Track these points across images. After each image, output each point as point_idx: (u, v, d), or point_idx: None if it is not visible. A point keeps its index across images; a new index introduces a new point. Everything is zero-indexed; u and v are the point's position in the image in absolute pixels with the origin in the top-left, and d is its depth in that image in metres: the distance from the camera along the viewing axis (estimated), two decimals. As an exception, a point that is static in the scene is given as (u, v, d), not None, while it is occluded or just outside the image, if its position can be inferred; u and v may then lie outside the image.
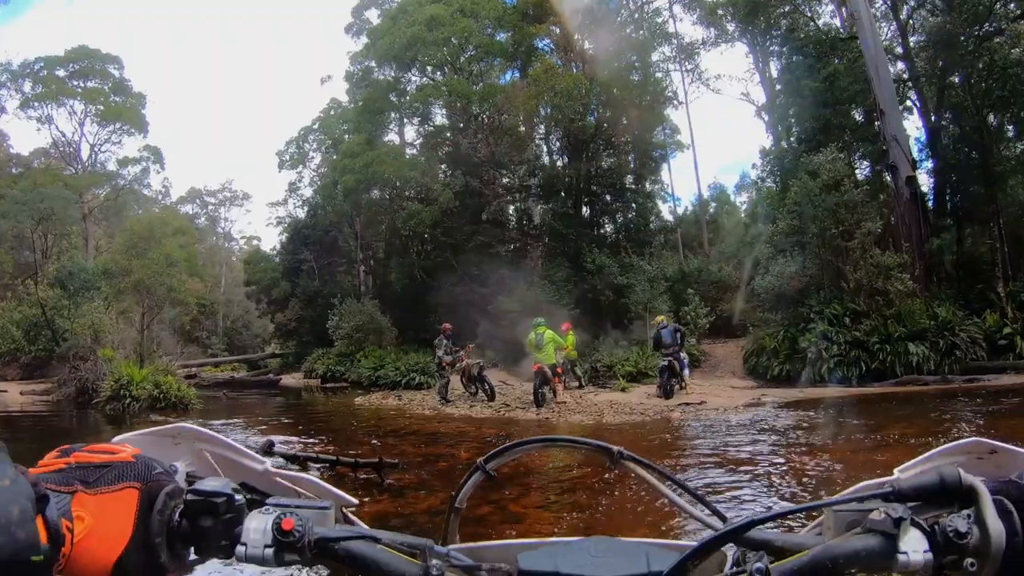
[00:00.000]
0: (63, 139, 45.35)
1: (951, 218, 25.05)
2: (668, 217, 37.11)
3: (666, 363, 17.48)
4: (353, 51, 41.25)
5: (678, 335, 18.20)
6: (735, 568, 0.83)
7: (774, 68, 37.70)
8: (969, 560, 0.74)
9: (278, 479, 0.96)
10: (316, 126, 47.17)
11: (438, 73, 32.32)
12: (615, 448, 1.04)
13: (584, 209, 29.37)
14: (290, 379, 36.45)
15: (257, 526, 0.77)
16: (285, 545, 0.75)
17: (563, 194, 29.14)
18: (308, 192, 47.37)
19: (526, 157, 29.36)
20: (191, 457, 0.96)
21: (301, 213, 46.45)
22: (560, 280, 26.77)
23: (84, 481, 0.74)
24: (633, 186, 29.16)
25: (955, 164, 24.96)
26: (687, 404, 16.09)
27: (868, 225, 21.75)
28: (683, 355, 18.15)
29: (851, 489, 0.89)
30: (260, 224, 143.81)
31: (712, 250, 36.02)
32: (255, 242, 69.97)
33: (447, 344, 19.86)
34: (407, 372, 26.67)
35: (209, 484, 0.79)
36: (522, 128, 29.74)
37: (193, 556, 0.80)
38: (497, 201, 28.55)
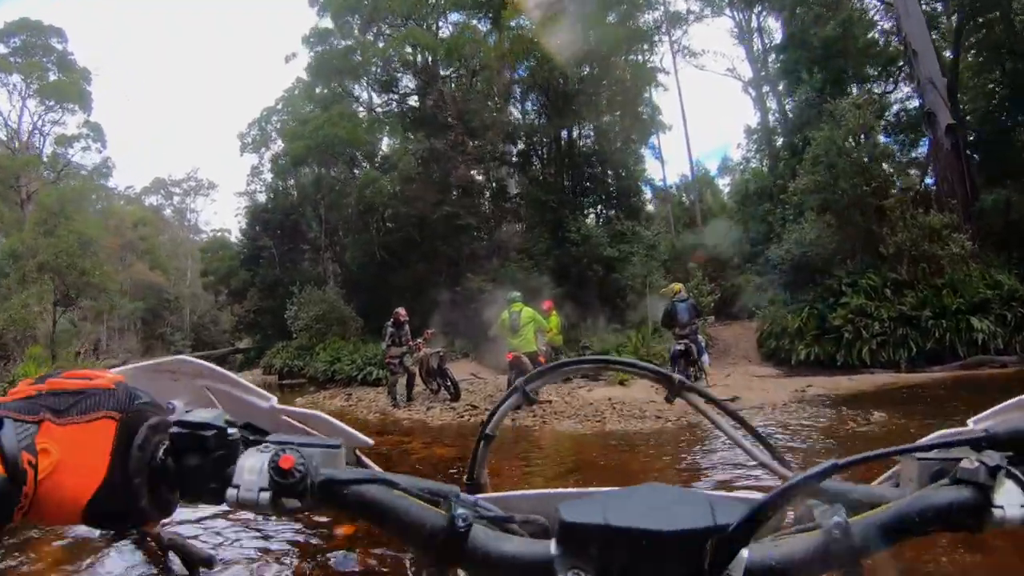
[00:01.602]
0: (2, 119, 39.50)
1: (994, 173, 20.17)
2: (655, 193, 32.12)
3: (681, 347, 12.94)
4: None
5: (695, 311, 13.59)
6: (808, 523, 0.66)
7: (758, 44, 34.83)
8: None
9: (285, 417, 0.83)
10: (279, 106, 41.93)
11: (401, 30, 27.19)
12: (676, 376, 0.88)
13: (566, 177, 24.24)
14: (248, 376, 30.99)
15: (252, 465, 0.63)
16: (283, 488, 0.61)
17: (543, 157, 24.13)
18: (271, 176, 42.19)
19: (499, 119, 24.24)
20: (191, 395, 0.84)
21: (264, 199, 41.19)
22: (540, 254, 21.98)
23: (54, 409, 0.61)
24: (621, 146, 23.98)
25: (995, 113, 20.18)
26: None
27: (907, 180, 17.12)
28: (700, 338, 13.52)
29: (932, 436, 0.74)
30: (228, 214, 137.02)
31: (705, 228, 31.21)
32: (223, 233, 64.55)
33: (394, 332, 15.06)
34: (363, 366, 21.73)
35: (199, 415, 0.65)
36: (495, 87, 24.63)
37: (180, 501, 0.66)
38: (466, 163, 23.41)
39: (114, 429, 0.62)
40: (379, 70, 27.63)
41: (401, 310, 15.16)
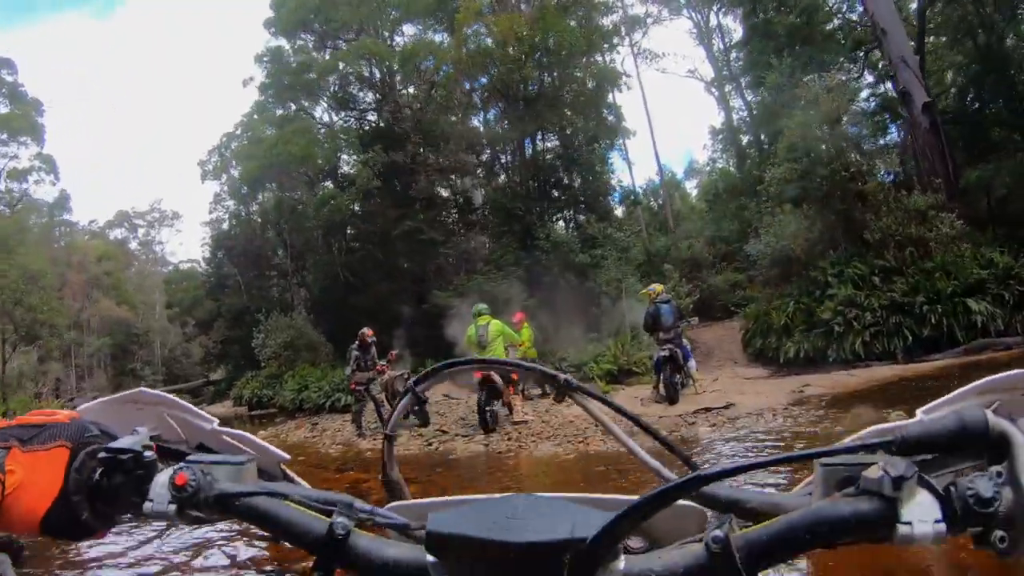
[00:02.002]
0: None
1: (970, 152, 19.24)
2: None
3: (666, 352, 11.52)
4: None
5: (679, 314, 12.54)
6: (698, 534, 0.63)
7: (718, 43, 34.88)
8: (998, 533, 0.54)
9: (224, 437, 0.89)
10: (239, 131, 40.21)
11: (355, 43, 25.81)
12: (561, 376, 0.87)
13: (532, 184, 22.92)
14: (220, 408, 29.54)
15: (162, 481, 0.70)
16: (182, 500, 0.68)
17: (507, 166, 22.88)
18: (233, 203, 40.47)
19: (459, 129, 22.92)
20: (155, 421, 0.90)
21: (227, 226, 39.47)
22: (508, 264, 20.59)
23: (20, 439, 0.73)
24: (586, 148, 22.70)
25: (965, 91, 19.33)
26: (707, 410, 10.14)
27: (887, 162, 16.12)
28: (686, 342, 12.26)
29: (854, 436, 0.66)
30: (195, 244, 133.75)
31: (676, 230, 30.06)
32: (191, 264, 62.30)
33: (359, 356, 13.53)
34: (331, 392, 20.21)
35: (122, 442, 0.74)
36: (454, 96, 23.35)
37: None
38: (427, 176, 22.03)
39: (67, 456, 0.72)
40: (335, 86, 26.19)
41: (367, 330, 13.61)
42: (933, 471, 0.60)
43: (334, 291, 24.71)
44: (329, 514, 0.66)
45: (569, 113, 21.97)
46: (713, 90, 37.56)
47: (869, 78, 22.39)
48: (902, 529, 0.54)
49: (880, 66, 20.01)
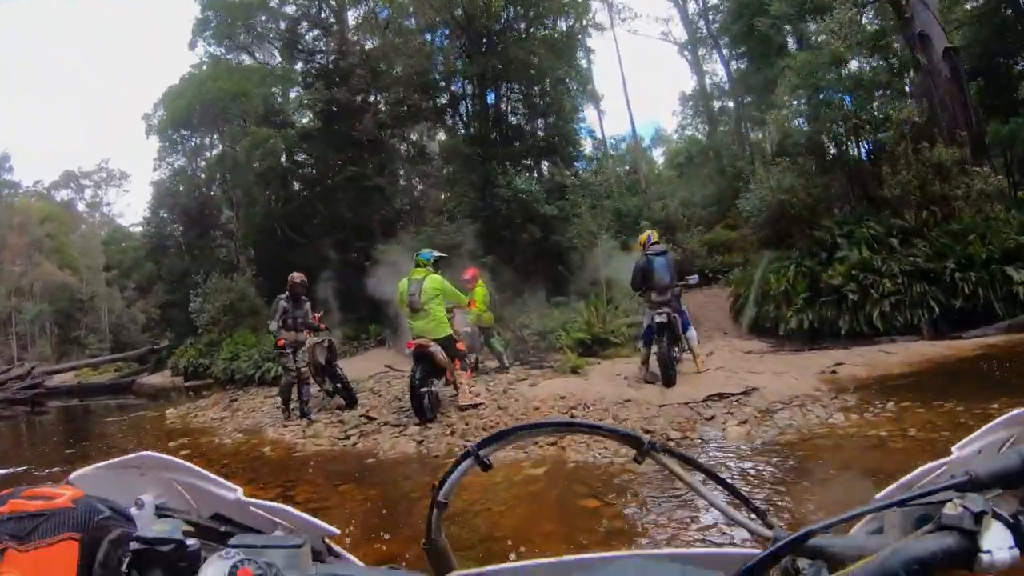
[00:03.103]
0: None
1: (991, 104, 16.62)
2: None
3: (663, 319, 8.63)
4: None
5: (677, 267, 9.75)
6: None
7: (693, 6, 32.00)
8: None
9: (252, 508, 0.81)
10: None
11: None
12: (646, 439, 0.80)
13: (493, 129, 19.46)
14: (157, 378, 26.30)
15: (214, 575, 0.60)
16: None
17: (466, 111, 19.49)
18: (177, 159, 36.39)
19: (413, 66, 19.36)
20: (160, 488, 0.83)
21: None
22: (463, 216, 17.31)
23: (16, 536, 0.60)
24: (556, 87, 19.31)
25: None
26: (723, 396, 7.18)
27: (906, 110, 13.33)
28: (684, 306, 9.59)
29: (909, 476, 0.75)
30: (143, 205, 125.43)
31: (651, 191, 27.13)
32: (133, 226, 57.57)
33: (287, 309, 10.30)
34: (260, 362, 17.11)
35: (155, 529, 0.63)
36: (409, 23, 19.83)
37: None
38: (374, 114, 18.54)
39: (77, 550, 0.60)
40: (275, 23, 22.34)
41: (297, 275, 10.46)
42: (997, 505, 0.60)
43: (271, 247, 21.11)
44: None
45: (538, 56, 18.53)
46: (686, 54, 35.00)
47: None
48: (984, 558, 0.56)
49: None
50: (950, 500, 0.59)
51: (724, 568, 0.58)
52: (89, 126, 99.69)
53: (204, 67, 26.40)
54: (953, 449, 0.75)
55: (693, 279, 9.60)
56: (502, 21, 18.20)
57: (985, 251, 11.78)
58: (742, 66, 26.99)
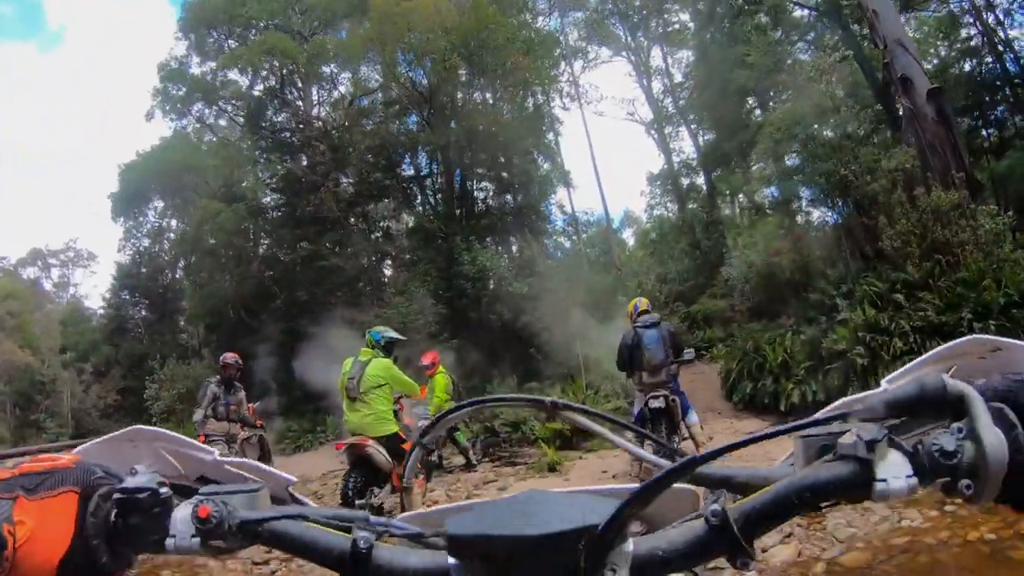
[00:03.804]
0: None
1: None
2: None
3: (658, 404, 7.03)
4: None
5: (673, 342, 7.66)
6: (695, 511, 0.69)
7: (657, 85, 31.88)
8: (964, 482, 0.58)
9: (227, 467, 0.89)
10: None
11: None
12: (547, 399, 0.87)
13: (458, 204, 18.06)
14: None
15: (183, 516, 0.69)
16: (206, 532, 0.68)
17: (432, 187, 18.16)
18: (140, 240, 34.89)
19: (376, 133, 18.12)
20: (152, 457, 0.90)
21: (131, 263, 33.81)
22: (425, 297, 15.61)
23: (26, 488, 0.69)
24: (524, 158, 18.04)
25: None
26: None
27: (898, 157, 12.89)
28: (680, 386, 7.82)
29: (825, 409, 0.72)
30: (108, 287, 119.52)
31: (624, 269, 25.81)
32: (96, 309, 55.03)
33: (218, 395, 8.66)
34: (209, 453, 14.79)
35: (135, 480, 0.72)
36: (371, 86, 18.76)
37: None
38: (331, 188, 17.10)
39: (76, 501, 0.69)
40: (231, 93, 21.18)
41: (230, 356, 8.96)
42: (901, 434, 0.62)
43: (225, 330, 19.24)
44: (348, 530, 0.65)
45: (505, 127, 17.39)
46: (653, 133, 34.65)
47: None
48: (879, 486, 0.57)
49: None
50: (848, 431, 0.60)
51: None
52: (59, 203, 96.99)
53: (159, 140, 25.27)
54: (883, 382, 0.72)
55: (689, 354, 7.83)
56: (465, 92, 17.08)
57: (1002, 296, 10.42)
58: (709, 139, 26.49)
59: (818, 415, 0.67)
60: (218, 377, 8.66)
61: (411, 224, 18.17)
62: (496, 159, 17.53)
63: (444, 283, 16.14)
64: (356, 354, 6.84)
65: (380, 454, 6.26)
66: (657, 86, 32.94)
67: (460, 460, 10.49)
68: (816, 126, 12.40)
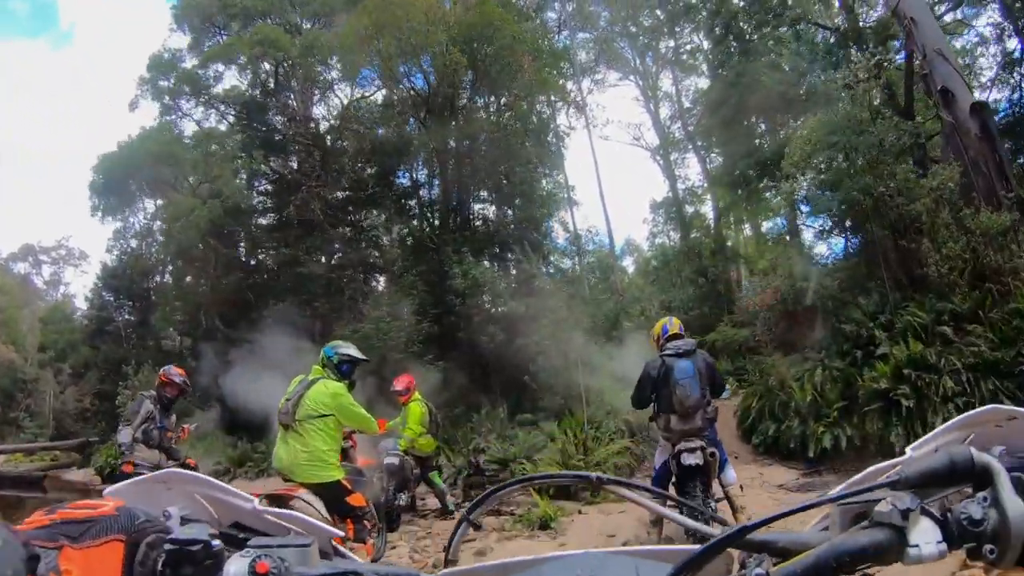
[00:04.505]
0: None
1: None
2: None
3: (696, 460, 5.17)
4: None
5: (712, 375, 5.68)
6: (739, 572, 0.73)
7: (665, 111, 31.35)
8: (988, 547, 0.63)
9: (268, 517, 0.91)
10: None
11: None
12: (593, 475, 0.92)
13: (451, 215, 16.49)
14: (80, 474, 21.87)
15: (236, 571, 0.68)
16: None
17: (427, 200, 16.64)
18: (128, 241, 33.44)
19: (365, 135, 16.69)
20: (185, 500, 0.90)
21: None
22: (412, 313, 13.99)
23: (70, 536, 0.69)
24: (525, 167, 16.49)
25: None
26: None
27: (944, 173, 11.21)
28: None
29: (858, 477, 0.82)
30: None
31: (626, 296, 24.34)
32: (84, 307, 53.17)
33: (152, 415, 7.01)
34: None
35: (187, 531, 0.72)
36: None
37: None
38: (313, 189, 15.56)
39: (122, 549, 0.69)
40: (225, 94, 19.75)
41: (175, 370, 7.32)
42: (928, 498, 0.65)
43: (196, 339, 17.57)
44: None
45: (507, 131, 15.96)
46: (658, 159, 33.58)
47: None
48: (911, 551, 0.61)
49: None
50: (883, 499, 0.63)
51: (675, 563, 0.63)
52: (58, 202, 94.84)
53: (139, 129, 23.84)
54: (908, 449, 0.77)
55: (726, 392, 6.11)
56: (466, 93, 15.65)
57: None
58: (719, 164, 25.58)
59: (849, 484, 0.73)
60: (153, 392, 7.08)
61: (401, 233, 16.53)
62: (496, 167, 16.03)
63: (432, 298, 14.63)
64: (308, 371, 5.32)
65: (311, 508, 4.64)
66: (664, 112, 32.21)
67: (436, 503, 8.83)
68: (855, 136, 10.85)
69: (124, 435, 6.83)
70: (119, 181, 20.14)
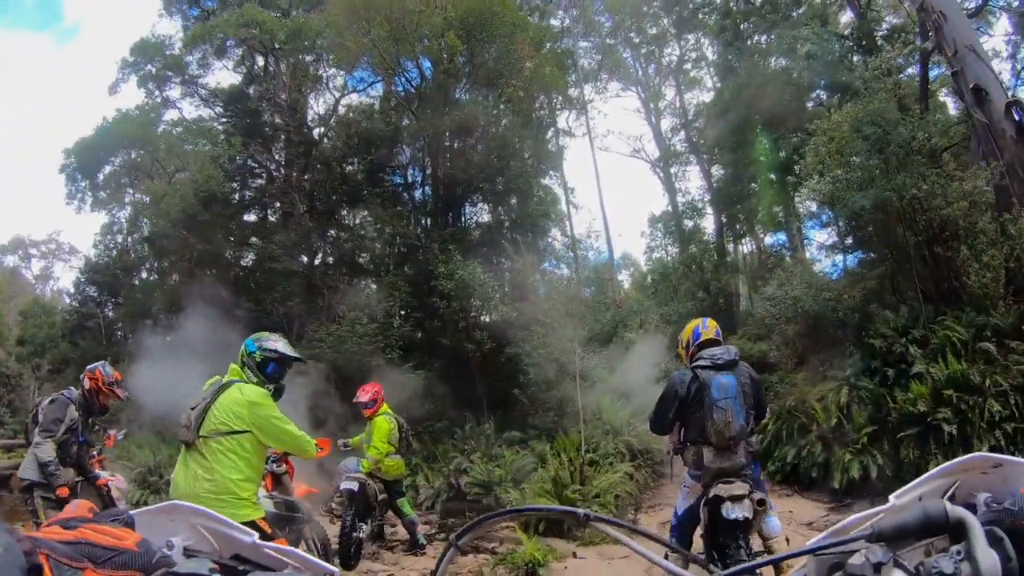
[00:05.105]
0: None
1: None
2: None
3: (745, 513, 3.80)
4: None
5: (756, 390, 4.34)
6: None
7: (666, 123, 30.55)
8: None
9: (267, 551, 0.91)
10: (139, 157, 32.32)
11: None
12: (581, 512, 0.92)
13: (441, 214, 15.17)
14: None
15: None
16: None
17: (415, 181, 15.46)
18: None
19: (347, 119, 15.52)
20: (188, 531, 0.92)
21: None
22: (391, 316, 12.70)
23: (93, 560, 0.74)
24: (521, 160, 15.22)
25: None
26: None
27: (976, 177, 10.06)
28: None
29: (839, 525, 0.81)
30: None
31: (624, 307, 23.17)
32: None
33: (77, 424, 5.67)
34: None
35: (189, 565, 0.77)
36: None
37: None
38: (295, 179, 14.32)
39: None
40: (202, 67, 18.53)
41: (110, 372, 6.07)
42: (904, 547, 0.66)
43: (153, 340, 16.07)
44: None
45: (503, 119, 14.78)
46: (659, 171, 32.77)
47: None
48: None
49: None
50: (858, 551, 0.63)
51: None
52: (59, 197, 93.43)
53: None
54: (891, 497, 0.79)
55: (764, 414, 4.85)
56: (462, 82, 14.44)
57: None
58: (724, 174, 24.91)
59: (826, 534, 0.74)
60: (79, 396, 5.78)
61: (386, 231, 15.17)
62: (491, 160, 14.74)
63: (415, 300, 13.25)
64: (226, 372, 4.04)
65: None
66: (666, 124, 31.40)
67: (405, 534, 7.53)
68: (892, 129, 9.69)
69: (46, 451, 5.53)
70: (91, 165, 18.95)
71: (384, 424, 7.11)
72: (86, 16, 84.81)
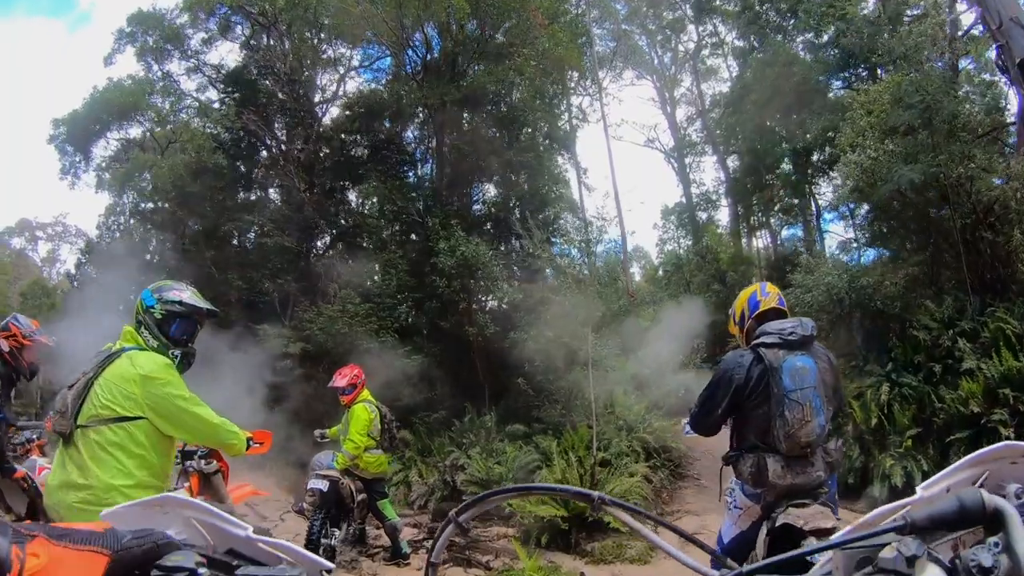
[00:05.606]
0: None
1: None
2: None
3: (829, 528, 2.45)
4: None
5: (835, 380, 3.09)
6: None
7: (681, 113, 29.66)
8: None
9: (260, 545, 0.87)
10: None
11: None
12: (595, 494, 0.89)
13: (446, 189, 14.16)
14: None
15: None
16: None
17: (418, 154, 14.51)
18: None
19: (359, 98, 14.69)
20: (181, 525, 0.89)
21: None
22: (389, 295, 11.78)
23: (49, 534, 0.68)
24: (532, 133, 14.25)
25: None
26: None
27: None
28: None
29: (864, 519, 0.78)
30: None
31: (636, 298, 22.24)
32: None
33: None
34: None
35: (174, 559, 0.71)
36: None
37: None
38: (293, 151, 13.41)
39: (105, 564, 0.66)
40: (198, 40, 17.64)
41: (25, 322, 4.99)
42: (936, 540, 0.63)
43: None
44: None
45: (514, 87, 13.86)
46: (673, 161, 31.89)
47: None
48: None
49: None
50: (889, 544, 0.59)
51: None
52: (65, 183, 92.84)
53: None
54: (918, 488, 0.75)
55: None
56: (470, 49, 13.47)
57: None
58: (742, 163, 23.94)
59: (854, 526, 0.70)
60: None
61: (382, 206, 14.21)
62: (500, 135, 13.74)
63: (414, 280, 12.27)
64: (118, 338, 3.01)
65: None
66: (681, 114, 30.49)
67: (386, 541, 6.59)
68: (942, 96, 8.69)
69: None
70: (81, 137, 18.10)
71: (363, 413, 6.19)
72: (98, 2, 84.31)
